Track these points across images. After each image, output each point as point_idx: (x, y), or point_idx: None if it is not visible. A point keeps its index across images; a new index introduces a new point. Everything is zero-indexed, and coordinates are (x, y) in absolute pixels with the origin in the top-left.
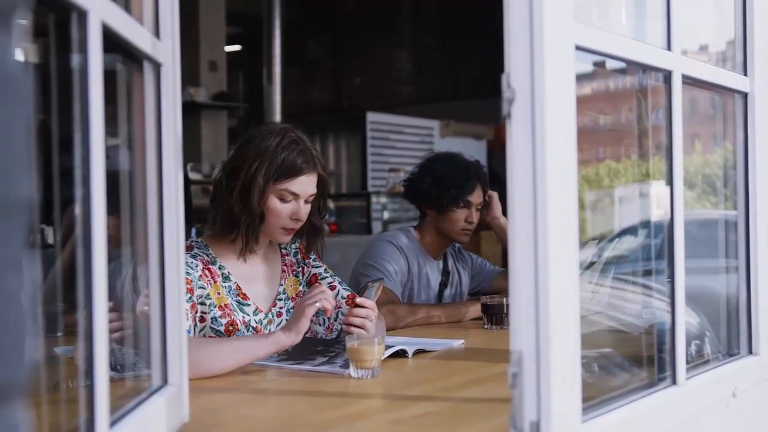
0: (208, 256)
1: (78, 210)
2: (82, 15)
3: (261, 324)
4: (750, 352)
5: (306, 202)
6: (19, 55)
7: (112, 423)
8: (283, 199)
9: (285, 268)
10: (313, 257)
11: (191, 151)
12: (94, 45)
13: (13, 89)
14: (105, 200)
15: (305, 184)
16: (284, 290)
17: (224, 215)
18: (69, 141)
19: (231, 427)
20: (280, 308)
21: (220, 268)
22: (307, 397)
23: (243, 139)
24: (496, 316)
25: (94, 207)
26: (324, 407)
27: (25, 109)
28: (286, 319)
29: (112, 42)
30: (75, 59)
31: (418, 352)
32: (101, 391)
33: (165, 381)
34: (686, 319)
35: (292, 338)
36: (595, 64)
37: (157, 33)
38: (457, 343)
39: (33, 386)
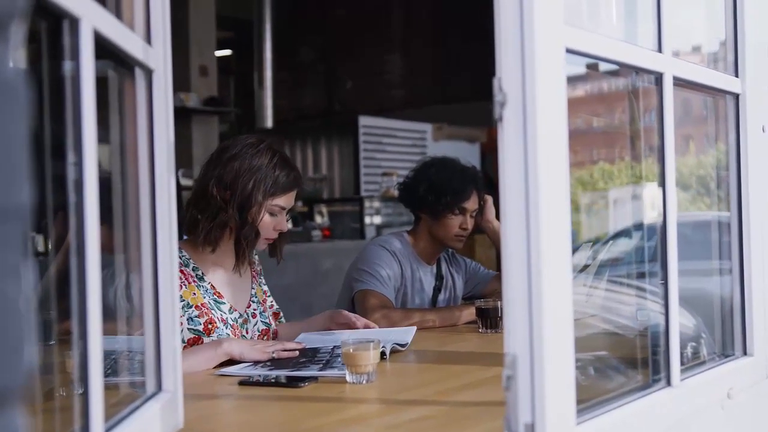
0: (181, 258)
1: (71, 217)
2: (74, 22)
3: (237, 323)
4: (744, 353)
5: (287, 213)
6: (17, 63)
7: (107, 430)
8: (272, 214)
9: (254, 274)
10: (262, 278)
11: (182, 157)
12: (86, 52)
13: (11, 97)
14: (98, 207)
15: (292, 199)
16: (255, 294)
17: (218, 227)
18: (61, 147)
19: None
20: (254, 310)
21: (194, 270)
22: (302, 403)
23: (227, 153)
24: (491, 319)
25: (88, 214)
26: (319, 412)
27: (23, 116)
28: (261, 321)
29: (104, 48)
30: (67, 66)
31: (395, 351)
32: (96, 398)
33: (159, 388)
34: (682, 321)
35: (233, 349)
36: (588, 66)
37: (148, 39)
38: (412, 330)
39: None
